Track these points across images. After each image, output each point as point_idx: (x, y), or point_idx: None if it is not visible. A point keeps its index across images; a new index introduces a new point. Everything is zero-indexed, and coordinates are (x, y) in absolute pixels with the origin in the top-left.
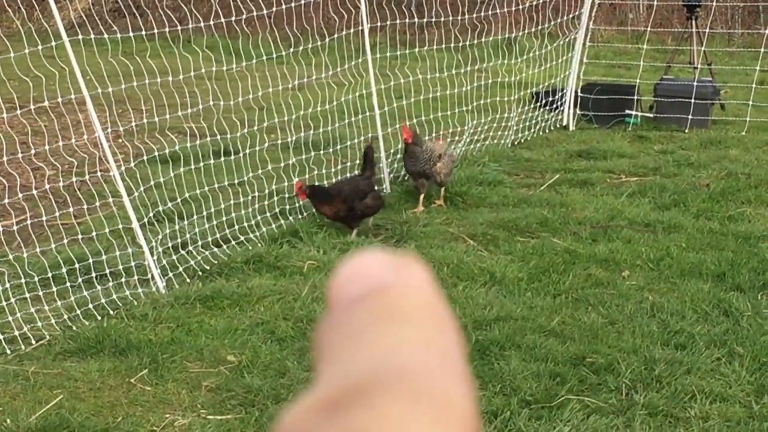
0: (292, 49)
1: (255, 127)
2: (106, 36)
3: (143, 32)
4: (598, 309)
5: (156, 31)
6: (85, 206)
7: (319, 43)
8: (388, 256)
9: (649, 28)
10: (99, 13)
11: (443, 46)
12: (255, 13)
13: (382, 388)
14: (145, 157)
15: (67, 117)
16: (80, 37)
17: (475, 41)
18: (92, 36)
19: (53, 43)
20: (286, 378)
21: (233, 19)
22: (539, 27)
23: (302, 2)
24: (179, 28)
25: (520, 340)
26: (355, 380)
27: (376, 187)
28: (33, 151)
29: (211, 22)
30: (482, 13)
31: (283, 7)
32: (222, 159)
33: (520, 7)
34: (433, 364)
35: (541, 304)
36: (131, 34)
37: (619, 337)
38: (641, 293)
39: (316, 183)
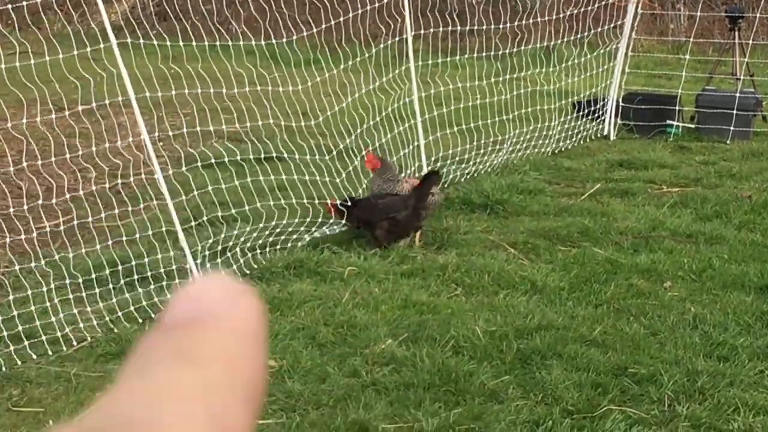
0: (342, 66)
1: (303, 135)
2: (153, 42)
3: (193, 41)
4: (640, 319)
5: (206, 43)
6: (130, 208)
7: (366, 55)
8: (227, 285)
9: (691, 39)
10: (142, 16)
11: (483, 54)
12: (305, 33)
13: None
14: (188, 162)
15: (112, 119)
16: (128, 40)
17: (515, 49)
18: (141, 41)
19: (101, 45)
20: (326, 384)
21: (284, 40)
22: (578, 36)
23: (350, 16)
24: (230, 42)
25: (561, 349)
26: (107, 426)
27: (421, 212)
28: (79, 153)
29: (262, 42)
30: (523, 22)
31: (332, 22)
32: (266, 165)
33: (561, 15)
34: (189, 421)
35: (582, 314)
36: (179, 39)
37: (662, 348)
38: (683, 304)
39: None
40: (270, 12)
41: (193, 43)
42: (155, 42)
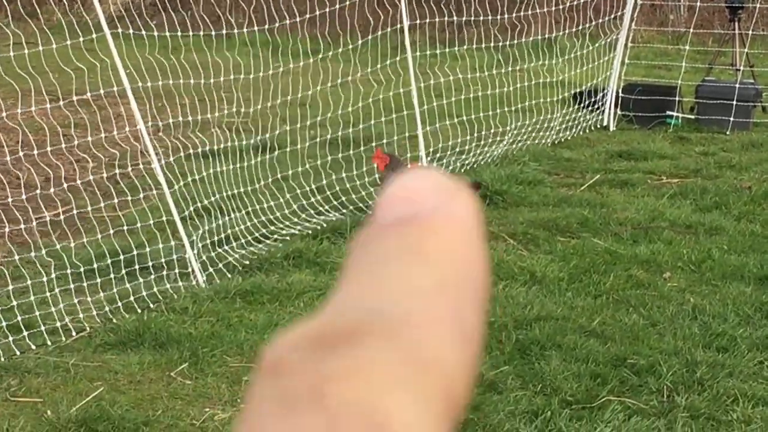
0: (334, 51)
1: (297, 125)
2: (145, 33)
3: (189, 30)
4: (639, 310)
5: (201, 31)
6: (129, 198)
7: (360, 42)
8: (441, 182)
9: (691, 29)
10: (138, 6)
11: (482, 45)
12: (298, 19)
13: (372, 337)
14: (186, 152)
15: (109, 109)
16: (120, 30)
17: (515, 41)
18: (131, 31)
19: (94, 36)
20: None
21: (276, 25)
22: (580, 27)
23: (346, 4)
24: (224, 31)
25: (560, 340)
26: (349, 321)
27: None
28: (76, 143)
29: (255, 29)
30: (522, 13)
31: (327, 10)
32: (264, 156)
33: (561, 6)
34: (436, 318)
35: (581, 305)
36: (176, 29)
37: (661, 338)
38: (682, 295)
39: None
40: (267, 1)
41: (190, 34)
42: (148, 33)
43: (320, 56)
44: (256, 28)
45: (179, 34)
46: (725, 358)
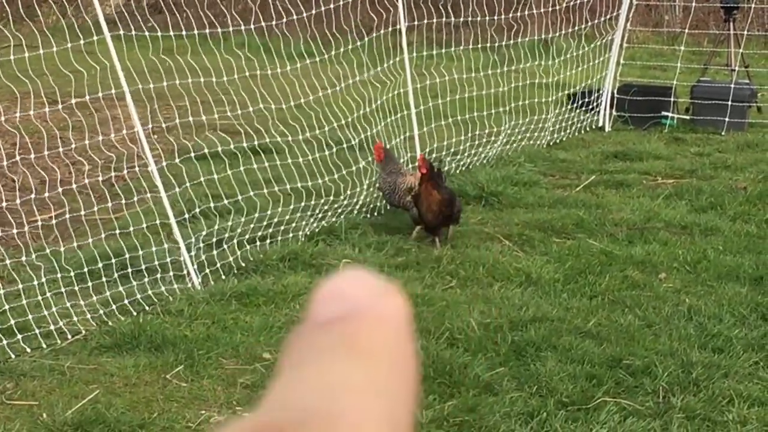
0: (333, 52)
1: (296, 127)
2: (146, 33)
3: (183, 32)
4: (635, 311)
5: (196, 32)
6: (123, 201)
7: (358, 43)
8: (372, 282)
9: (686, 30)
10: (136, 8)
11: (479, 45)
12: (295, 17)
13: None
14: (182, 154)
15: (106, 112)
16: (121, 32)
17: (511, 41)
18: (133, 32)
19: (95, 38)
20: None
21: (273, 23)
22: (576, 28)
23: (340, 3)
24: (220, 31)
25: (556, 341)
26: (287, 417)
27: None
28: (73, 146)
29: (252, 26)
30: (518, 13)
31: (322, 8)
32: (259, 157)
33: (557, 7)
34: (369, 414)
35: (577, 306)
36: (171, 32)
37: (656, 339)
38: (678, 296)
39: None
40: (263, 3)
41: (183, 33)
42: (145, 34)
43: (317, 59)
44: (252, 26)
45: (174, 34)
46: (721, 359)
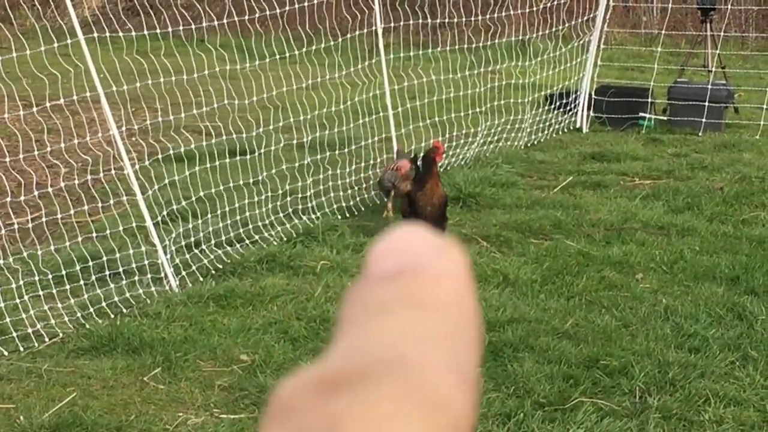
0: (305, 49)
1: (269, 127)
2: (120, 34)
3: (157, 30)
4: (612, 311)
5: (170, 29)
6: (100, 204)
7: (332, 43)
8: (430, 237)
9: (664, 31)
10: (113, 11)
11: (456, 47)
12: (268, 13)
13: (379, 378)
14: (159, 156)
15: (82, 115)
16: (95, 35)
17: (489, 43)
18: (107, 34)
19: (69, 41)
20: None
21: (246, 18)
22: (553, 29)
23: (315, 2)
24: (193, 26)
25: (533, 341)
26: (356, 364)
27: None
28: (48, 149)
29: (225, 21)
30: (495, 15)
31: (296, 6)
32: (236, 158)
33: (534, 8)
34: (439, 362)
35: (554, 306)
36: (146, 32)
37: (633, 340)
38: (655, 296)
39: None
40: (241, 6)
41: (158, 31)
42: (121, 34)
43: (294, 52)
44: (225, 20)
45: (158, 32)
46: (697, 359)
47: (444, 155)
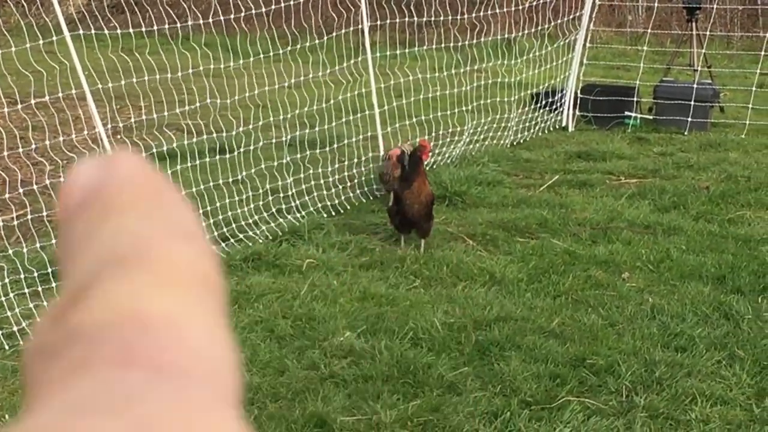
0: (289, 47)
1: (252, 125)
2: (105, 31)
3: (143, 28)
4: (598, 310)
5: (155, 27)
6: None
7: (317, 41)
8: (100, 159)
9: (649, 30)
10: (98, 8)
11: (442, 45)
12: (254, 11)
13: (102, 276)
14: (147, 153)
15: (67, 112)
16: (81, 32)
17: (474, 41)
18: (92, 31)
19: (54, 38)
20: (285, 376)
21: (232, 16)
22: (539, 28)
23: (300, 0)
24: (178, 25)
25: (520, 340)
26: (81, 280)
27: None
28: (33, 146)
29: (210, 20)
30: (481, 13)
31: (282, 5)
32: (220, 156)
33: (520, 7)
34: (157, 234)
35: (541, 305)
36: (131, 30)
37: (620, 338)
38: (641, 295)
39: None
40: (227, 4)
41: (143, 30)
42: (106, 31)
43: (279, 51)
44: (211, 19)
45: (143, 29)
46: (684, 358)
47: (430, 153)
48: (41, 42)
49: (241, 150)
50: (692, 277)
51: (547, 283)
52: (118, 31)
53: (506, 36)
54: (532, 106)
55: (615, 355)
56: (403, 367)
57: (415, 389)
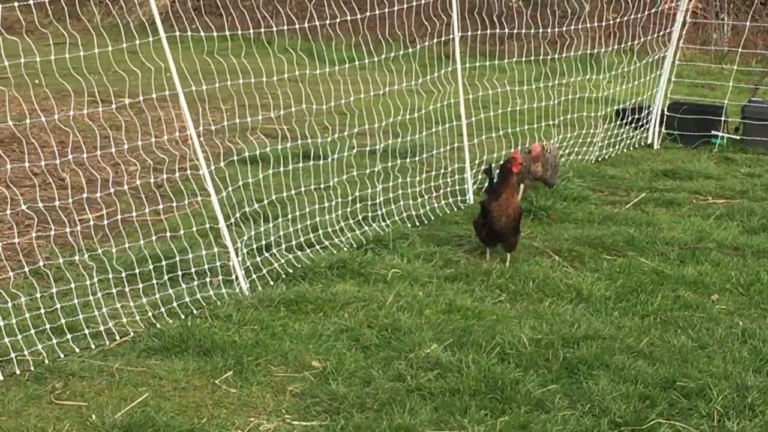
0: (383, 56)
1: (344, 133)
2: (189, 33)
3: (226, 32)
4: (688, 332)
5: (241, 31)
6: (174, 203)
7: (410, 50)
8: None
9: (739, 50)
10: (182, 9)
11: (531, 58)
12: (349, 17)
13: None
14: (232, 157)
15: (152, 113)
16: (177, 33)
17: (562, 55)
18: (177, 34)
19: (150, 39)
20: (371, 387)
21: (327, 22)
22: (628, 44)
23: (395, 9)
24: (262, 29)
25: (608, 359)
26: None
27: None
28: (126, 146)
29: (306, 25)
30: (571, 27)
31: (377, 12)
32: (309, 163)
33: (605, 23)
34: None
35: (629, 324)
36: (215, 34)
37: (710, 361)
38: (731, 318)
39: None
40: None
41: (227, 33)
42: (189, 34)
43: (370, 64)
44: (297, 26)
45: (217, 35)
46: None
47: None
48: (138, 42)
49: (330, 157)
50: None
51: (635, 302)
52: (202, 35)
53: (593, 51)
54: (618, 123)
55: (706, 378)
56: (490, 382)
57: (503, 405)
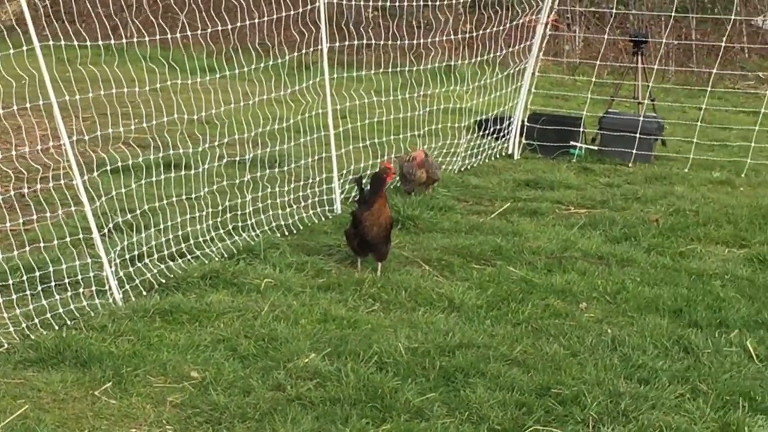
0: (252, 66)
1: (213, 143)
2: (50, 43)
3: (88, 43)
4: (559, 340)
5: (101, 43)
6: (48, 213)
7: (279, 61)
8: None
9: (597, 62)
10: (33, 17)
11: (396, 69)
12: (220, 28)
13: None
14: (107, 167)
15: (32, 121)
16: (50, 42)
17: (423, 66)
18: (60, 42)
19: (24, 48)
20: (251, 397)
21: (198, 32)
22: (490, 55)
23: (265, 19)
24: (148, 38)
25: (484, 367)
26: None
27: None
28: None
29: (177, 35)
30: (428, 40)
31: (247, 22)
32: (180, 173)
33: (462, 36)
34: None
35: (501, 333)
36: (75, 43)
37: (582, 369)
38: (600, 326)
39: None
40: (165, 16)
41: (88, 43)
42: (51, 43)
43: (221, 75)
44: (179, 34)
45: (78, 44)
46: (647, 390)
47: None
48: (12, 52)
49: (198, 167)
50: (649, 310)
51: (507, 310)
52: (62, 43)
53: (449, 63)
54: (479, 133)
55: (579, 385)
56: (370, 391)
57: (383, 414)
